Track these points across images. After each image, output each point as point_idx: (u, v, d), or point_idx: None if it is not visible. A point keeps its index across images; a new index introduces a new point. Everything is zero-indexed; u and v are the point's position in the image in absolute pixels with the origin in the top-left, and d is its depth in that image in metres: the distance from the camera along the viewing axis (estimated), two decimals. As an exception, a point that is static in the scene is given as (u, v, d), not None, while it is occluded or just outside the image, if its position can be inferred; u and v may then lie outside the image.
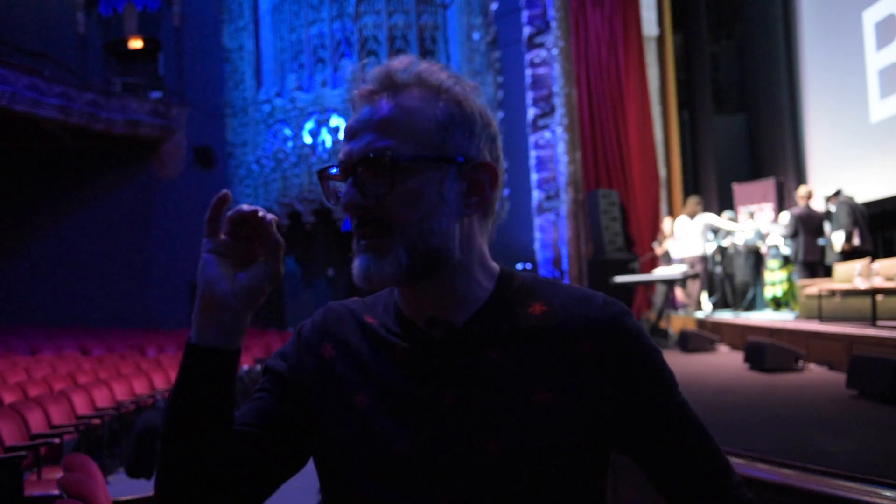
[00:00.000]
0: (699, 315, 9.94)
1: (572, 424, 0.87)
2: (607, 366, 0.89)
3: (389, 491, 0.86)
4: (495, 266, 0.96)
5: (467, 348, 0.89)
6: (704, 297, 10.87)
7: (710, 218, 10.33)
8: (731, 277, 10.43)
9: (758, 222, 10.06)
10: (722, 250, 10.53)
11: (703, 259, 10.30)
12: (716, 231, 10.53)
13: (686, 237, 10.34)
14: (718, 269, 10.67)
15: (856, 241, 7.94)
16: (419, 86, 0.90)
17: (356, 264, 0.89)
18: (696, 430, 0.92)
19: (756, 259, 9.90)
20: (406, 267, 0.87)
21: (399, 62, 0.91)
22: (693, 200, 10.73)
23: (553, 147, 14.17)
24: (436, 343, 0.90)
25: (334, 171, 0.92)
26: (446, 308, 0.91)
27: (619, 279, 9.65)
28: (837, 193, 8.30)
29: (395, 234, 0.87)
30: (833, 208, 8.27)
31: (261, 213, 0.85)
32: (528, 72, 14.43)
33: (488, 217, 0.95)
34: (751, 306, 9.86)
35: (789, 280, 9.64)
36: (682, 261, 10.17)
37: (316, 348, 0.96)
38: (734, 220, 10.67)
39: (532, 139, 14.44)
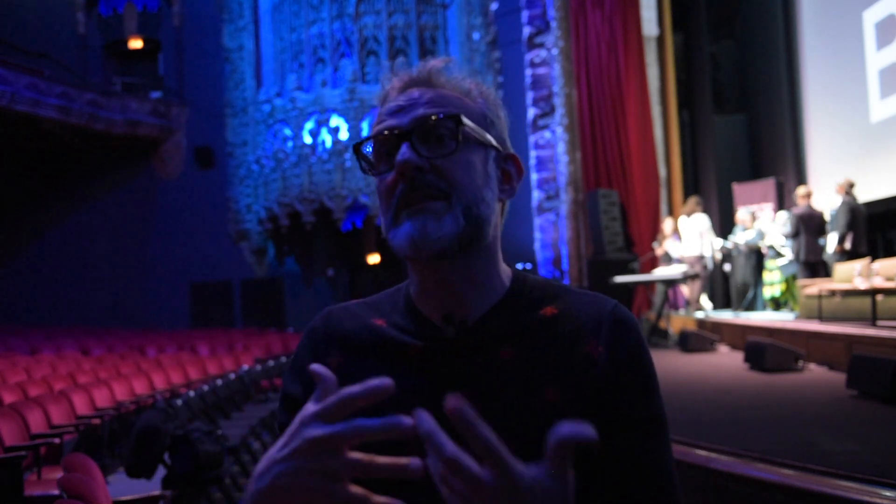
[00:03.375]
0: (699, 315, 9.94)
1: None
2: (613, 369, 0.89)
3: (403, 494, 0.83)
4: (507, 266, 0.98)
5: (480, 347, 0.89)
6: (704, 297, 10.86)
7: (702, 222, 10.29)
8: (732, 277, 10.42)
9: (758, 224, 10.04)
10: (727, 250, 10.51)
11: (703, 259, 10.29)
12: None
13: (686, 237, 10.34)
14: (725, 268, 10.64)
15: (847, 244, 7.92)
16: (458, 87, 0.93)
17: (407, 228, 0.86)
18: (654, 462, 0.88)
19: (757, 259, 9.89)
20: (463, 227, 0.87)
21: (440, 63, 0.94)
22: (693, 200, 10.73)
23: (553, 147, 14.17)
24: (449, 342, 0.90)
25: (368, 148, 0.91)
26: (465, 299, 0.91)
27: (619, 279, 9.65)
28: (851, 185, 8.10)
29: (451, 197, 0.87)
30: (840, 198, 8.13)
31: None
32: (528, 72, 14.42)
33: (503, 214, 0.98)
34: (751, 306, 9.86)
35: (786, 280, 9.64)
36: (681, 260, 10.16)
37: (323, 358, 0.93)
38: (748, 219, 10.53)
39: (532, 139, 14.42)
